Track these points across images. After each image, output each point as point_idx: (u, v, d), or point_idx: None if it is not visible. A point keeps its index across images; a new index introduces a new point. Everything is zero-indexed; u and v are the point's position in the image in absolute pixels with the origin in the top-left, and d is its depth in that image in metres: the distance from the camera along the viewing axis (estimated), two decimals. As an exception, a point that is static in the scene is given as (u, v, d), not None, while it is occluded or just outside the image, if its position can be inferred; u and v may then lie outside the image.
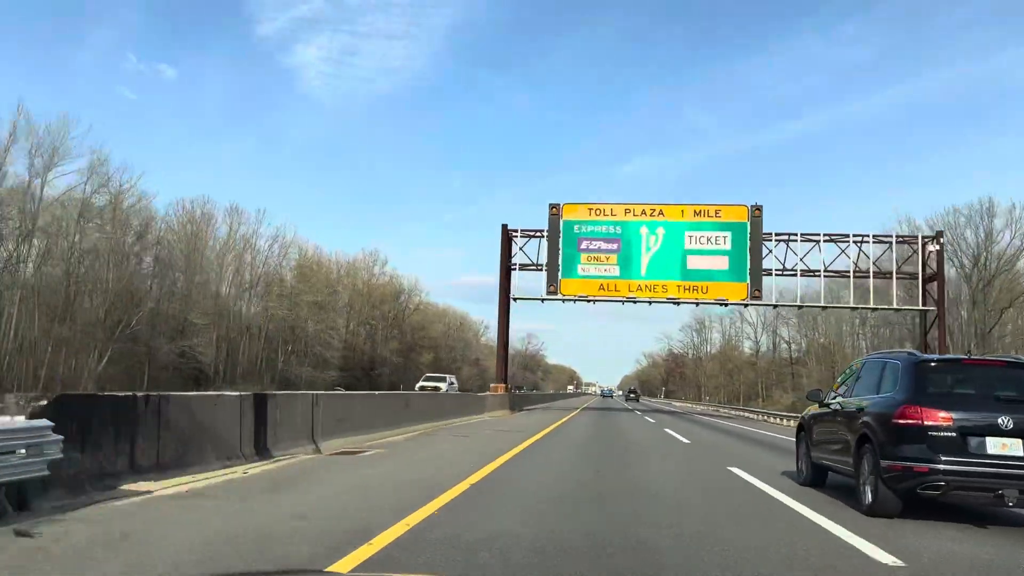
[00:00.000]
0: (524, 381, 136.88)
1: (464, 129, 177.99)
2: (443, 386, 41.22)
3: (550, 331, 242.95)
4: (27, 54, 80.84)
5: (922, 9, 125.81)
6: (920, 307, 36.35)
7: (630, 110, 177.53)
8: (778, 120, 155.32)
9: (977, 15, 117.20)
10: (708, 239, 34.74)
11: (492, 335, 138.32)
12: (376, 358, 71.46)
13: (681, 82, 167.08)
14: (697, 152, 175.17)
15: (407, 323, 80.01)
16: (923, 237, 36.12)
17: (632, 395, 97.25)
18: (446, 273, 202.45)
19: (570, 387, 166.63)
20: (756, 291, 34.65)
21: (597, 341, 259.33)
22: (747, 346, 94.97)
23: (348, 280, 70.95)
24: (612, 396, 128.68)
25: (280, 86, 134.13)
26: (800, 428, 10.38)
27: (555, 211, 35.40)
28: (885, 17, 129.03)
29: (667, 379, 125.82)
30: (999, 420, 6.86)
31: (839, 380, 9.71)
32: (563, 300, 35.92)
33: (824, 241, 35.38)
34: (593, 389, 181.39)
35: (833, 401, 9.15)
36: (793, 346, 79.34)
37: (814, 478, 9.55)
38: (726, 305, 37.62)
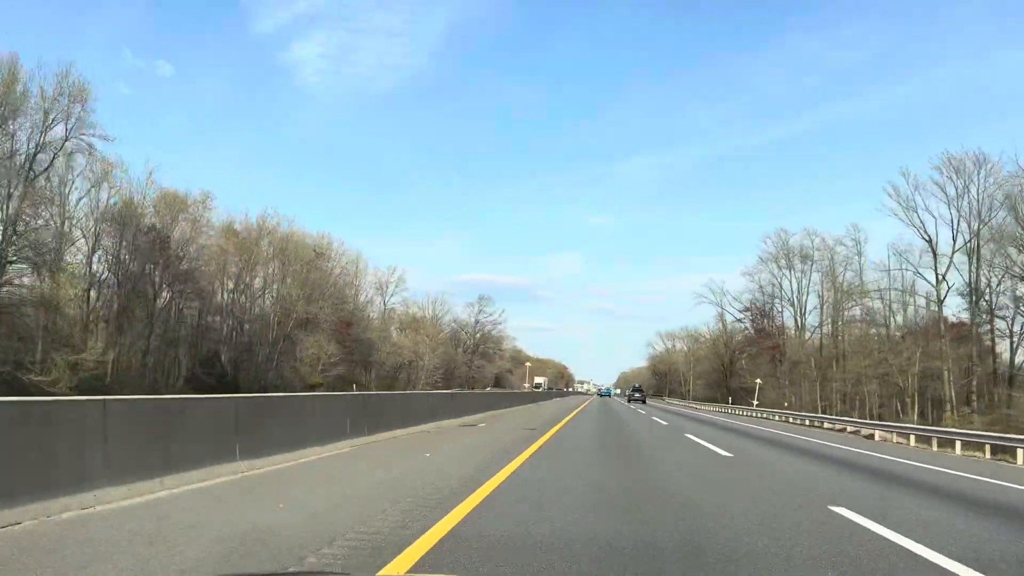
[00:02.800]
0: (476, 374, 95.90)
1: (463, 125, 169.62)
2: None
3: (544, 329, 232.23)
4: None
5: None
6: None
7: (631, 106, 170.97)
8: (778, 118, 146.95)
9: None
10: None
11: (411, 294, 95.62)
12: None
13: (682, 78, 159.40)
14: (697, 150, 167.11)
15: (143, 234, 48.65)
16: None
17: (637, 395, 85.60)
18: (445, 269, 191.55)
19: (538, 379, 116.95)
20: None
21: (591, 337, 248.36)
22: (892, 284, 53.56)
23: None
24: (611, 396, 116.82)
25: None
26: None
27: None
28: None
29: (731, 366, 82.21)
30: None
31: None
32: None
33: None
34: (586, 387, 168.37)
35: None
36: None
37: None
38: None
